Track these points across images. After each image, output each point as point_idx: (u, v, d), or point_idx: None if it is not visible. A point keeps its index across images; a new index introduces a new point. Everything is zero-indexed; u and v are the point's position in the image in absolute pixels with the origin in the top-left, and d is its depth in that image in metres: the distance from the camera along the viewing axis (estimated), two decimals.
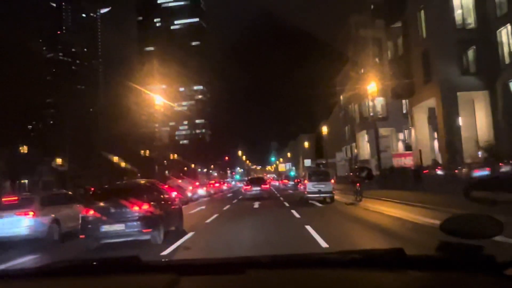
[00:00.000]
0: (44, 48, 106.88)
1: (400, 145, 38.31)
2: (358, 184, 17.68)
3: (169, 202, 9.82)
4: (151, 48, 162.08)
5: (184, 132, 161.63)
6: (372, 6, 35.62)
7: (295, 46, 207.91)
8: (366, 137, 41.73)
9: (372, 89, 27.59)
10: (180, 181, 27.97)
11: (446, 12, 24.55)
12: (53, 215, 9.94)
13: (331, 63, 55.49)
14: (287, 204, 18.43)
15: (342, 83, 53.18)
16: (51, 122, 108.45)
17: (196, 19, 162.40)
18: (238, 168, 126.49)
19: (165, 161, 68.07)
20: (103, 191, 9.38)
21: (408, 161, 30.30)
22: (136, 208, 7.98)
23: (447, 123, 24.56)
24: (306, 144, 62.08)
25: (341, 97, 56.18)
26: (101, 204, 8.19)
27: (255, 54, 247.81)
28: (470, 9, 24.80)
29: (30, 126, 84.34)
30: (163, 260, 5.00)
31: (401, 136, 38.56)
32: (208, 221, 12.42)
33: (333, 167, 53.24)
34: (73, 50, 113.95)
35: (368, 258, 1.47)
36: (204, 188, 32.47)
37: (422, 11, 26.06)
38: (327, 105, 63.30)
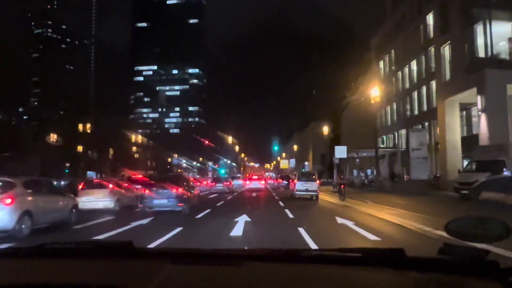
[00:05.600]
0: (32, 23, 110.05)
1: None
2: (342, 186, 22.07)
3: (192, 189, 16.58)
4: (144, 24, 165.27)
5: (175, 120, 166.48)
6: None
7: (307, 27, 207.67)
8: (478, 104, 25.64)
9: None
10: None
11: None
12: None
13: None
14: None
15: (384, 43, 48.84)
16: (35, 103, 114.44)
17: None
18: (225, 160, 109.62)
19: (134, 148, 70.66)
20: (155, 178, 16.07)
21: None
22: (174, 190, 14.66)
23: None
24: (325, 130, 47.70)
25: (381, 63, 50.79)
26: (153, 186, 14.87)
27: (260, 39, 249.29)
28: None
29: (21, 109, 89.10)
30: (156, 247, 6.53)
31: None
32: None
33: (393, 161, 41.30)
34: (63, 27, 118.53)
35: (367, 257, 1.58)
36: None
37: None
38: (348, 88, 58.99)
